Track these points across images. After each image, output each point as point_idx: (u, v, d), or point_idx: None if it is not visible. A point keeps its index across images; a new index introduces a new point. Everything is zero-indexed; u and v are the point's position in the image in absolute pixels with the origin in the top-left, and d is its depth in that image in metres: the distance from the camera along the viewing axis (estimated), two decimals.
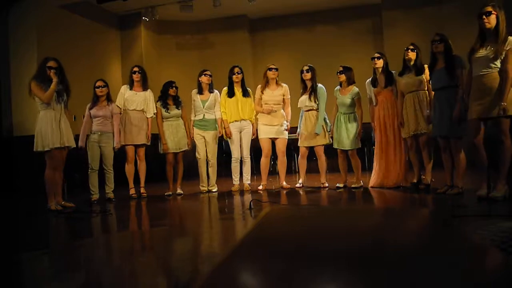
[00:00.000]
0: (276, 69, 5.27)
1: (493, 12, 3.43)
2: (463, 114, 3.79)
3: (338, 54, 7.92)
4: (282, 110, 5.32)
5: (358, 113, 5.01)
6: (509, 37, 3.41)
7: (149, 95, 5.27)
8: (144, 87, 5.28)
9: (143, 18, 7.89)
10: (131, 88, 5.25)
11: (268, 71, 5.27)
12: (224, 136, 5.39)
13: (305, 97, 5.17)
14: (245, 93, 5.35)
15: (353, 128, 4.95)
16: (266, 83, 5.28)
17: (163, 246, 2.77)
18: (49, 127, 4.23)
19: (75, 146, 4.51)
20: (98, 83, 5.05)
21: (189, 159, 6.47)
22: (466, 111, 3.72)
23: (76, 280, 2.04)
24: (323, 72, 6.50)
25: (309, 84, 5.18)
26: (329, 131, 5.14)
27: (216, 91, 5.45)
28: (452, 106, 3.91)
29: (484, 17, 3.44)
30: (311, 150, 5.29)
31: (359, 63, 6.93)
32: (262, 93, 5.27)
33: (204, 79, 5.35)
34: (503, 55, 3.37)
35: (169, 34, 8.76)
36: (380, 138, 4.85)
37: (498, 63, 3.39)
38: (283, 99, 5.29)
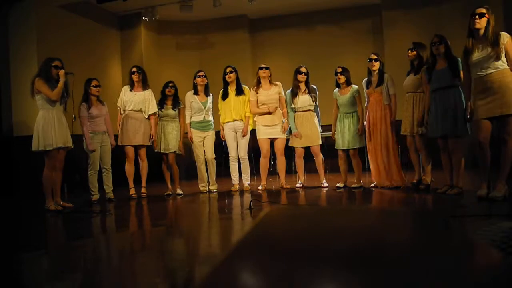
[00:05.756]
0: (267, 68, 5.25)
1: (486, 15, 3.48)
2: (466, 114, 3.79)
3: (338, 54, 7.92)
4: (279, 109, 5.31)
5: (358, 111, 5.02)
6: (500, 32, 3.46)
7: (148, 94, 5.26)
8: (144, 87, 5.28)
9: (143, 18, 7.89)
10: (131, 89, 5.26)
11: (259, 71, 5.28)
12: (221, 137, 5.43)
13: (306, 97, 5.18)
14: (239, 92, 5.30)
15: (354, 127, 4.97)
16: (258, 83, 5.28)
17: (162, 246, 2.77)
18: (51, 127, 4.23)
19: (72, 146, 4.49)
20: (95, 82, 5.03)
21: (189, 161, 6.47)
22: (466, 111, 3.74)
23: (75, 280, 2.03)
24: (323, 72, 6.48)
25: (303, 85, 5.20)
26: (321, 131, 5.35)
27: (211, 94, 5.47)
28: (458, 105, 3.91)
29: (476, 17, 3.50)
30: (307, 150, 5.31)
31: (359, 63, 6.91)
32: (257, 93, 5.26)
33: (198, 80, 5.35)
34: (503, 51, 3.40)
35: (169, 34, 8.76)
36: (369, 139, 4.88)
37: (503, 61, 3.41)
38: (279, 97, 5.29)
